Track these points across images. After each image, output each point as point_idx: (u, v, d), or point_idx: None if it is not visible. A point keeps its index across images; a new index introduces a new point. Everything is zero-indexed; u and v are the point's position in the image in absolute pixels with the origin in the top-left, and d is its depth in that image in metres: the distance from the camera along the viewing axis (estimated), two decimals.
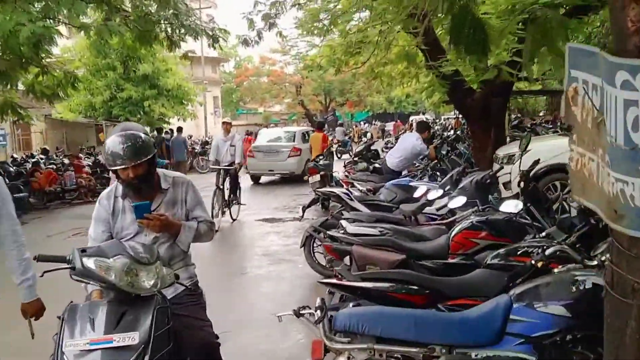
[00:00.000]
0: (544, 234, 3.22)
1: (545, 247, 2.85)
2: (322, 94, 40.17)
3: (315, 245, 6.48)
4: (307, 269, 6.50)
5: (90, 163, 16.74)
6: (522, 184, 4.00)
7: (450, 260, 3.87)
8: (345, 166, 12.74)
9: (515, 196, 4.40)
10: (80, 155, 17.59)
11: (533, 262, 2.60)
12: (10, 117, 11.57)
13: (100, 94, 22.03)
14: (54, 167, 15.57)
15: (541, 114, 27.36)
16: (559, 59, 3.71)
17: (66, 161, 16.33)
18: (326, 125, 20.60)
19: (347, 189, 7.15)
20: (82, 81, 13.43)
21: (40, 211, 13.08)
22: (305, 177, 12.00)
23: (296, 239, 7.92)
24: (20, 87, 10.42)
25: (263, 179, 16.45)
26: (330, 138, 19.16)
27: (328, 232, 4.44)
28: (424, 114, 47.91)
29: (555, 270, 2.48)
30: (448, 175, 5.91)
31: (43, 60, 9.28)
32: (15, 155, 18.56)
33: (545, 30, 3.47)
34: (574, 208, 4.77)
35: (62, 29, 10.17)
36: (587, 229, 3.00)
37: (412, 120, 42.28)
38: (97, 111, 22.60)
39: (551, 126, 18.02)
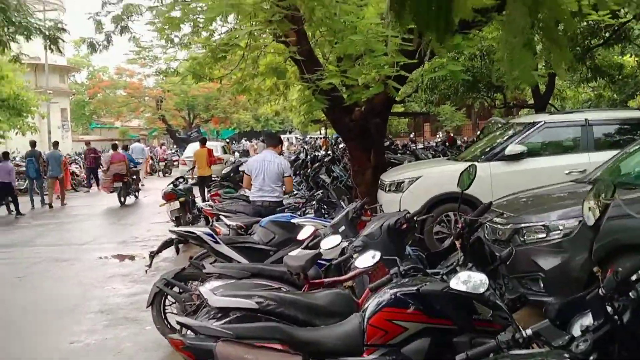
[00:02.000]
0: (529, 331, 1.98)
1: None
2: (185, 109, 37.99)
3: (167, 304, 4.90)
4: (157, 335, 4.88)
5: None
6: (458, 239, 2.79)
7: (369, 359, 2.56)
8: (209, 191, 11.10)
9: (448, 250, 3.19)
10: None
11: None
12: None
13: None
14: None
15: (412, 135, 27.76)
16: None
17: None
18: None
19: (212, 226, 5.63)
20: None
21: None
22: (161, 204, 10.19)
23: (146, 286, 6.20)
24: None
25: None
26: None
27: (179, 319, 2.87)
28: (291, 132, 47.42)
29: None
30: (342, 213, 4.59)
31: None
32: None
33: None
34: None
35: None
36: (608, 328, 1.83)
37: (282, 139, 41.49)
38: None
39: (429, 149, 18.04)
